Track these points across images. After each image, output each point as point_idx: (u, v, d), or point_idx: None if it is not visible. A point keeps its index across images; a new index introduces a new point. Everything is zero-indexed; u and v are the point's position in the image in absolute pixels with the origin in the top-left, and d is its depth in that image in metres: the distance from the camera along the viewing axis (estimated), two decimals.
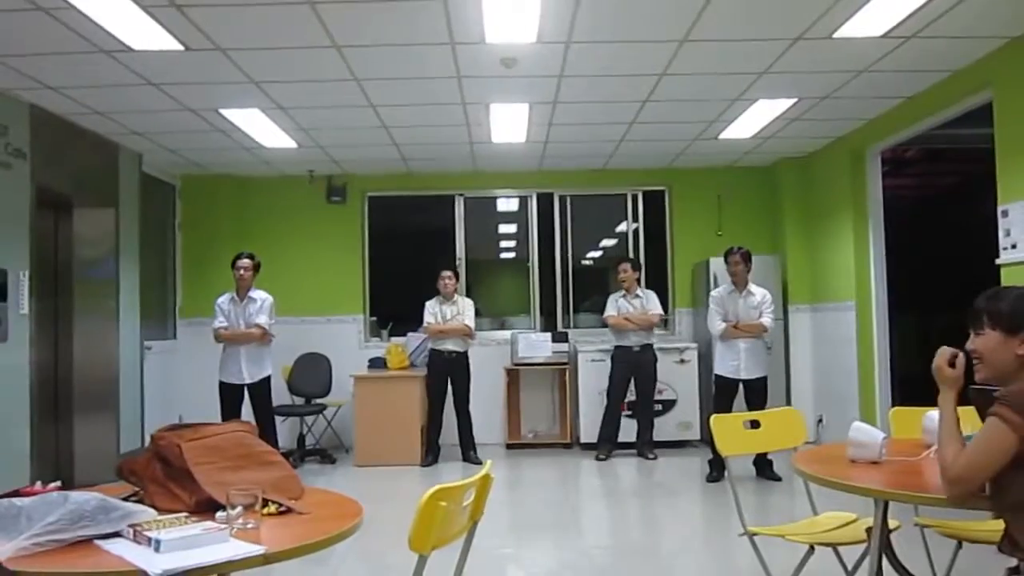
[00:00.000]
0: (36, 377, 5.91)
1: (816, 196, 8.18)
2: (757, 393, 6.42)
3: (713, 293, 6.76)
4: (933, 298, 7.87)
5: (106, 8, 4.23)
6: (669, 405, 8.01)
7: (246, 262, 6.83)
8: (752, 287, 6.57)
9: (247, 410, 6.76)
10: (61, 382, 6.74)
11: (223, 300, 6.91)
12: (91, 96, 5.82)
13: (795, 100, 6.33)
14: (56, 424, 6.65)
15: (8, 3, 4.13)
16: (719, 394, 6.54)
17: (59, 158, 6.27)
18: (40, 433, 5.98)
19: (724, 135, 7.36)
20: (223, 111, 6.30)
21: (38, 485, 2.36)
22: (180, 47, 4.83)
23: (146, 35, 4.62)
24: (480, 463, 7.34)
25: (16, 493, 2.29)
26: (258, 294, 6.89)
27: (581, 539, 5.26)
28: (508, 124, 6.88)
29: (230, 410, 6.71)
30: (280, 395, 8.03)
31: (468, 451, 7.57)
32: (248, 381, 6.78)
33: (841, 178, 7.53)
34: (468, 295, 8.32)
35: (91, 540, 1.84)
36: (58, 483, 3.12)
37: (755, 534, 3.10)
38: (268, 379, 6.90)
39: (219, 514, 2.00)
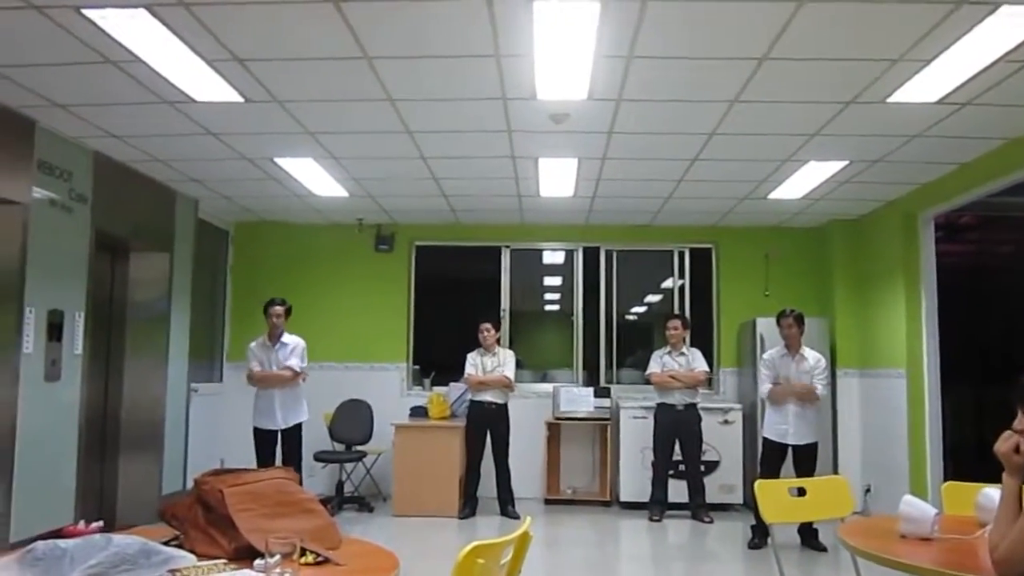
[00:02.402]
0: (85, 415, 6.03)
1: (867, 259, 8.07)
2: (806, 459, 6.25)
3: (764, 356, 6.65)
4: (988, 369, 7.65)
5: (173, 62, 4.40)
6: (712, 466, 7.86)
7: (278, 309, 6.86)
8: (806, 351, 6.45)
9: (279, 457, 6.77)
10: (109, 421, 6.86)
11: (255, 344, 6.98)
12: (152, 144, 6.03)
13: (846, 163, 6.29)
14: (102, 462, 6.76)
15: (81, 56, 4.32)
16: (766, 458, 6.40)
17: (119, 203, 6.48)
18: (86, 471, 6.08)
19: (773, 195, 7.34)
20: (278, 160, 6.47)
21: (81, 524, 2.40)
22: (240, 98, 4.99)
23: (208, 87, 4.79)
24: (518, 517, 7.26)
25: (59, 532, 2.33)
26: (290, 339, 6.92)
27: None
28: (556, 178, 6.94)
29: (265, 456, 6.71)
30: (321, 441, 8.08)
31: (506, 505, 7.50)
32: (283, 426, 6.78)
33: (893, 242, 7.43)
34: (511, 346, 8.33)
35: None
36: (100, 523, 3.16)
37: None
38: (300, 425, 6.88)
39: (257, 562, 2.01)
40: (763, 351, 6.99)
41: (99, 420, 6.68)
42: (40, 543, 1.94)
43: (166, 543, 2.16)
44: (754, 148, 5.97)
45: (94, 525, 2.36)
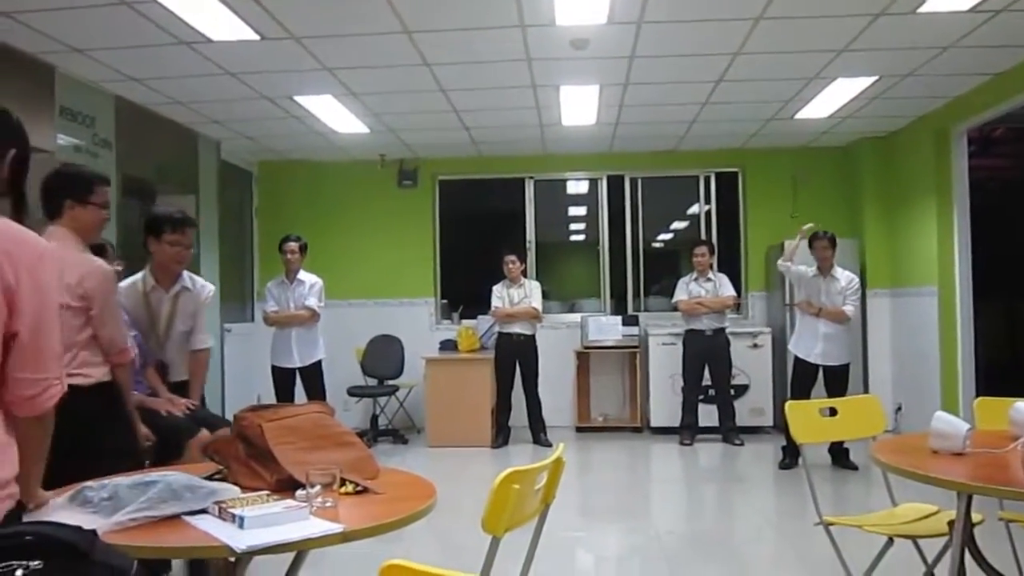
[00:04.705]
0: None
1: (897, 177, 7.92)
2: (837, 380, 6.25)
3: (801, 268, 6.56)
4: (1020, 284, 7.55)
5: (186, 1, 4.35)
6: (742, 390, 7.90)
7: (292, 245, 6.72)
8: (837, 271, 6.38)
9: (299, 394, 6.76)
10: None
11: (272, 283, 6.89)
12: (172, 86, 6.00)
13: (876, 78, 6.13)
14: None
15: None
16: (797, 377, 6.40)
17: (143, 147, 6.49)
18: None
19: (800, 115, 7.19)
20: (297, 98, 6.43)
21: None
22: (256, 36, 4.94)
23: (224, 26, 4.74)
24: (550, 445, 7.38)
25: None
26: (307, 276, 6.79)
27: (651, 524, 5.25)
28: (578, 106, 6.85)
29: (283, 393, 6.71)
30: (354, 376, 8.22)
31: (538, 434, 7.61)
32: (299, 364, 6.71)
33: (924, 158, 7.27)
34: (537, 278, 8.36)
35: (180, 516, 1.92)
36: (147, 461, 3.27)
37: (831, 524, 3.05)
38: (320, 363, 6.80)
39: (299, 492, 2.07)
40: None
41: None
42: (89, 483, 2.00)
43: (209, 477, 2.23)
44: (780, 67, 5.82)
45: None
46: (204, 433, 3.48)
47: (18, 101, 5.08)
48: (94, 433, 2.29)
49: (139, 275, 3.94)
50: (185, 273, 4.02)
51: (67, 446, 2.70)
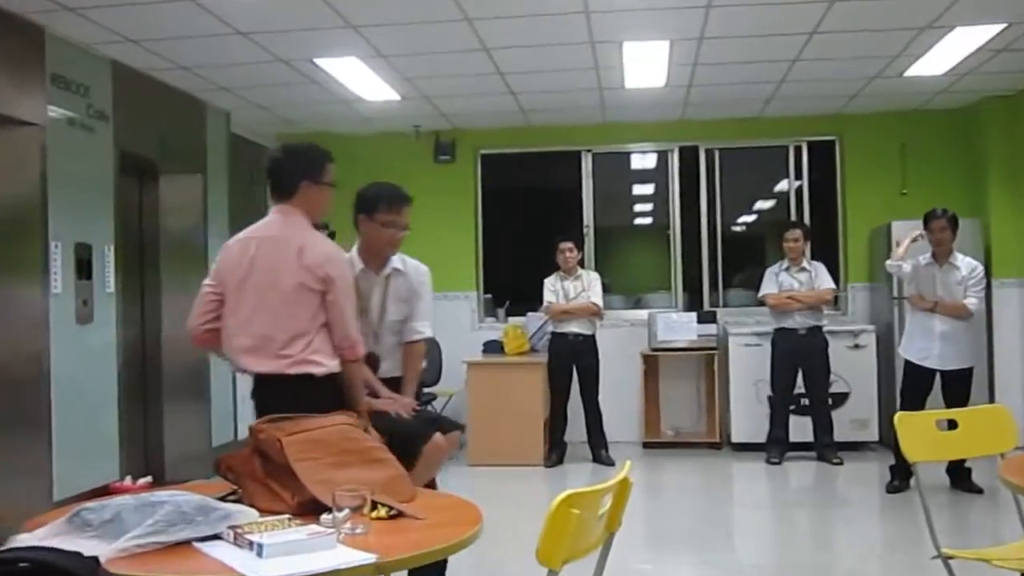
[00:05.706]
0: (123, 360, 6.29)
1: None
2: (958, 387, 6.12)
3: (906, 265, 6.44)
4: None
5: None
6: (840, 399, 7.79)
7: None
8: (957, 258, 6.23)
9: None
10: (149, 365, 7.13)
11: None
12: (176, 49, 6.10)
13: (1004, 25, 5.99)
14: (144, 410, 7.06)
15: None
16: (908, 384, 6.28)
17: (143, 120, 6.62)
18: (128, 421, 6.35)
19: (910, 72, 7.07)
20: (318, 61, 6.50)
21: (128, 480, 2.54)
22: None
23: None
24: (612, 464, 7.37)
25: (106, 489, 2.46)
26: None
27: (732, 555, 5.21)
28: (644, 66, 6.82)
29: None
30: None
31: (599, 450, 7.60)
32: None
33: None
34: (597, 268, 8.34)
35: (190, 542, 1.96)
36: (149, 479, 3.34)
37: (951, 557, 2.99)
38: None
39: (324, 517, 2.09)
40: None
41: (138, 365, 6.96)
42: (88, 505, 2.04)
43: (223, 498, 2.26)
44: (886, 14, 5.73)
45: (142, 481, 2.49)
46: (439, 437, 3.50)
47: (5, 68, 5.22)
48: None
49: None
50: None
51: None
